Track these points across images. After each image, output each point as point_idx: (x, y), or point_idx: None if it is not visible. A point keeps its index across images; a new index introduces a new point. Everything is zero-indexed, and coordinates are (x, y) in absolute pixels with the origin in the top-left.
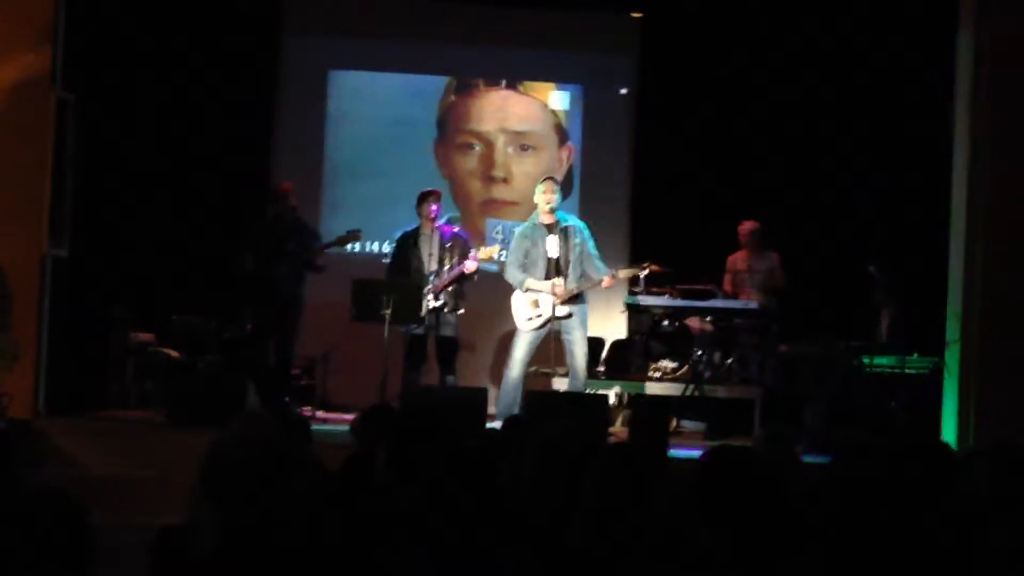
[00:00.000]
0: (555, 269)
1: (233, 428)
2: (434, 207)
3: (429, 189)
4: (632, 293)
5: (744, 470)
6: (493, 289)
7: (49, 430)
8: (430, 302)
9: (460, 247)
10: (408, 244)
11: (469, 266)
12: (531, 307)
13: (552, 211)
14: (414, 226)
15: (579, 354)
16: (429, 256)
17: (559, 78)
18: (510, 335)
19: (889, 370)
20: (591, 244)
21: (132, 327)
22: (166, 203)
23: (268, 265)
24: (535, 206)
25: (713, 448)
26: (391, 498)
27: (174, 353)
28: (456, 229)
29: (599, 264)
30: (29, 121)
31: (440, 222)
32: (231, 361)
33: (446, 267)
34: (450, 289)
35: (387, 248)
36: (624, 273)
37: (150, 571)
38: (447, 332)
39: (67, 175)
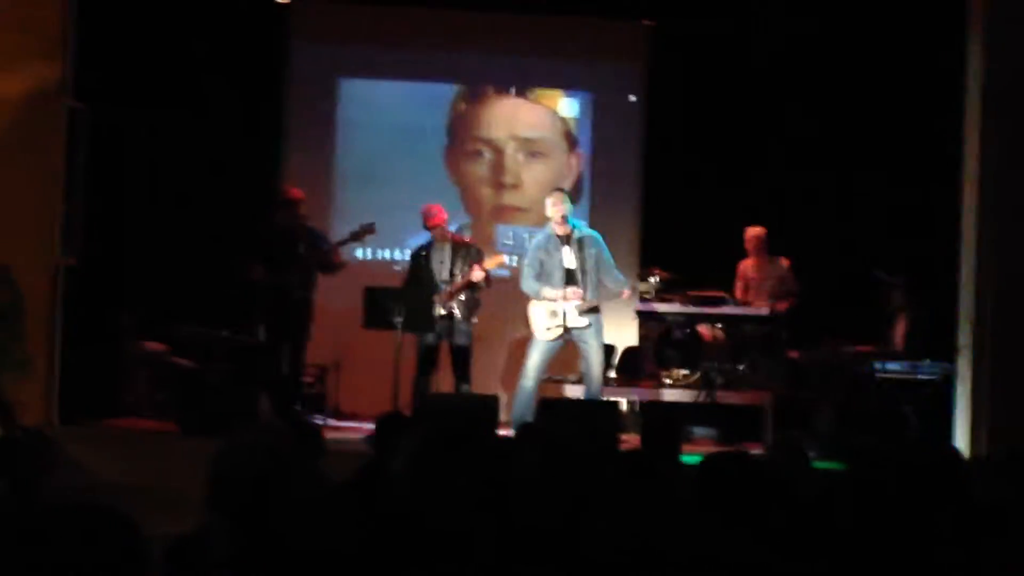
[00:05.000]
0: (571, 280)
1: (240, 438)
2: (440, 224)
3: (432, 209)
4: (643, 299)
5: (740, 477)
6: (504, 296)
7: (62, 438)
8: (439, 310)
9: (470, 256)
10: (420, 256)
11: (476, 275)
12: (549, 317)
13: (565, 221)
14: (427, 239)
15: (595, 362)
16: (440, 265)
17: (569, 85)
18: (521, 342)
19: (901, 376)
20: (607, 253)
21: (144, 336)
22: (176, 211)
23: (279, 272)
24: (543, 217)
25: (709, 456)
26: (406, 507)
27: (186, 362)
28: (466, 238)
29: (617, 274)
30: (40, 131)
31: (451, 230)
32: (242, 370)
33: (457, 276)
34: (463, 298)
35: (398, 255)
36: (643, 287)
37: None
38: (461, 340)
39: (78, 185)
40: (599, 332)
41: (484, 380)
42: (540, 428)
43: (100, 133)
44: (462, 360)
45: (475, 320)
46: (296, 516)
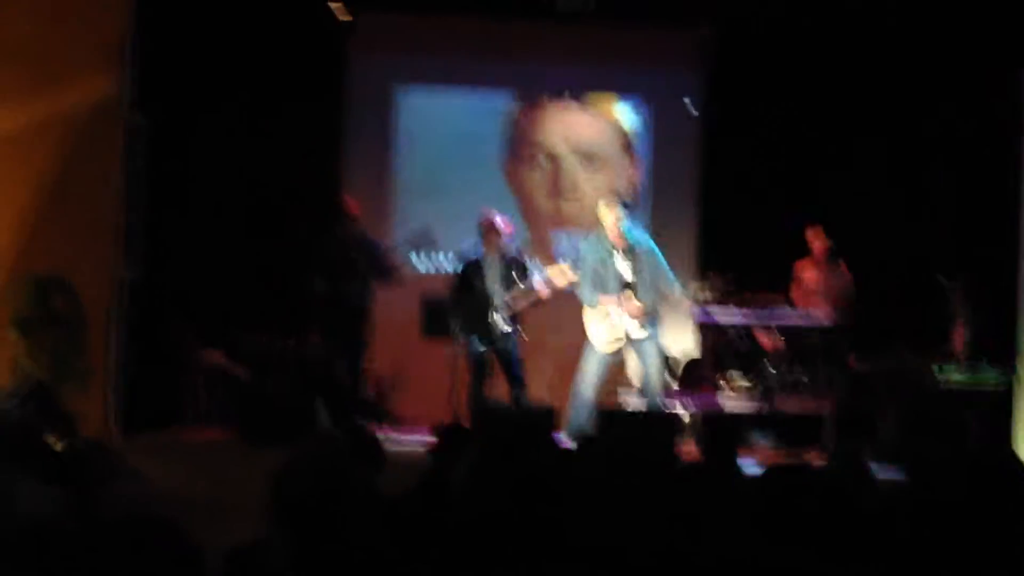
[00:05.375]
0: (627, 287)
1: (302, 449)
2: (499, 240)
3: (492, 224)
4: (702, 308)
5: (801, 490)
6: (551, 304)
7: (122, 449)
8: (503, 326)
9: (519, 268)
10: (471, 269)
11: (545, 293)
12: (608, 330)
13: (620, 230)
14: (477, 254)
15: (654, 373)
16: (492, 278)
17: (625, 91)
18: (567, 349)
19: (963, 383)
20: (661, 260)
21: (204, 346)
22: (237, 223)
23: (337, 283)
24: (601, 228)
25: (769, 468)
26: (466, 518)
27: (245, 372)
28: (515, 252)
29: (670, 275)
30: (100, 143)
31: (511, 247)
32: (302, 380)
33: (511, 290)
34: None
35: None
36: (699, 295)
37: None
38: (510, 347)
39: (139, 197)
40: (657, 342)
41: (531, 389)
42: (600, 440)
43: (161, 145)
44: (513, 366)
45: (521, 329)
46: (356, 528)
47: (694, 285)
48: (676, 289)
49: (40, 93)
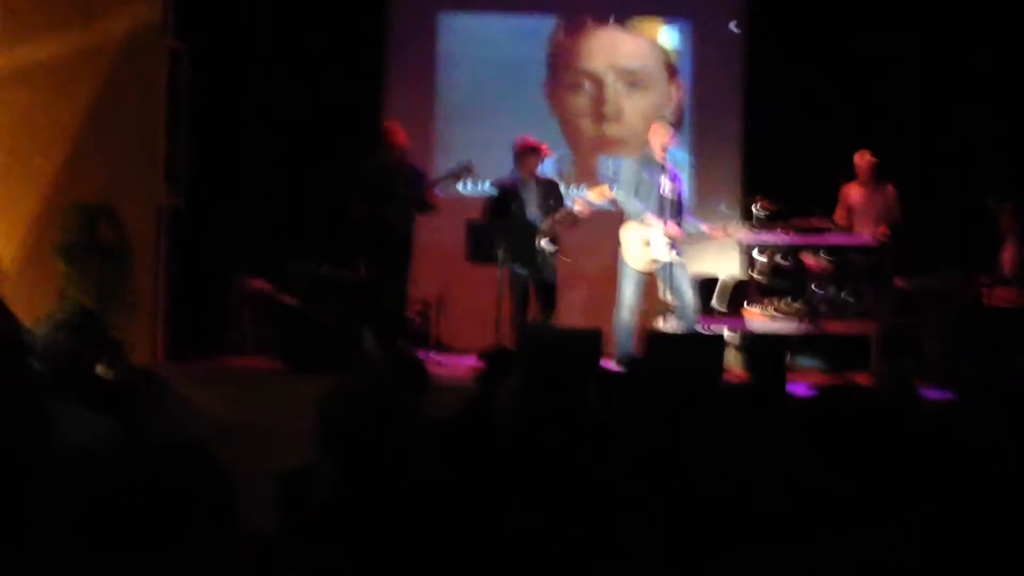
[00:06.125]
0: (668, 209)
1: (348, 375)
2: (537, 163)
3: (532, 145)
4: (748, 229)
5: (852, 410)
6: (587, 229)
7: (170, 377)
8: (545, 246)
9: (554, 191)
10: (506, 192)
11: (585, 212)
12: (643, 246)
13: (666, 152)
14: (512, 176)
15: (688, 292)
16: (529, 202)
17: (668, 13)
18: (601, 275)
19: (1011, 303)
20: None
21: (250, 274)
22: (279, 149)
23: (378, 209)
24: (646, 147)
25: (820, 388)
26: (513, 442)
27: (291, 300)
28: (547, 174)
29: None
30: (142, 73)
31: (542, 171)
32: (347, 306)
33: (548, 212)
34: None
35: None
36: (733, 229)
37: (276, 514)
38: (548, 273)
39: (182, 125)
40: (685, 267)
41: (568, 314)
42: (648, 361)
43: (202, 72)
44: (549, 292)
45: (560, 255)
46: (402, 453)
47: (739, 208)
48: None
49: (80, 22)
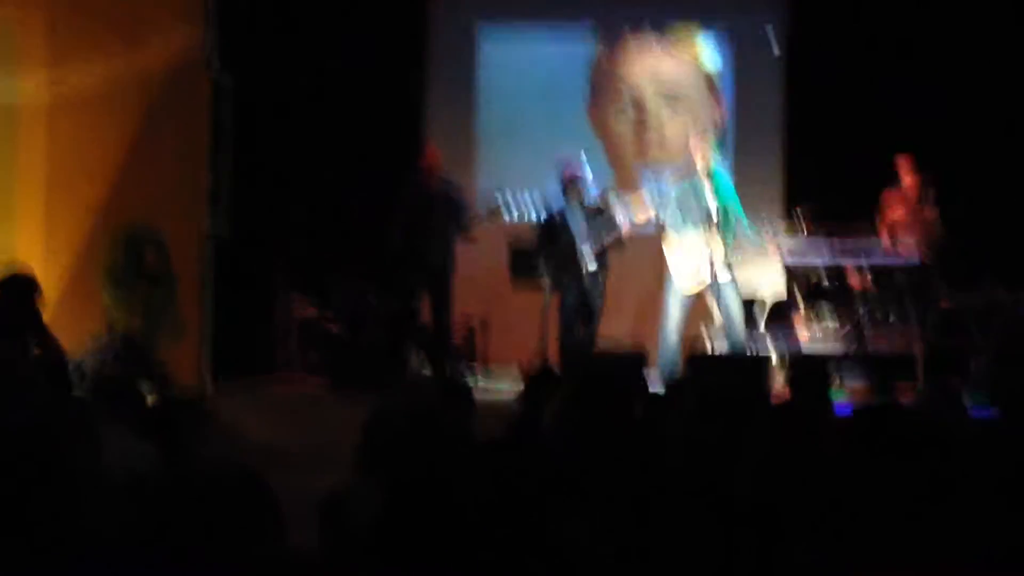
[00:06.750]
0: (712, 226)
1: (394, 397)
2: (584, 190)
3: (578, 175)
4: (791, 248)
5: (893, 426)
6: (630, 247)
7: (215, 399)
8: (590, 265)
9: (602, 217)
10: (555, 217)
11: (628, 231)
12: (692, 270)
13: (709, 169)
14: (560, 205)
15: (737, 315)
16: (575, 227)
17: (707, 22)
18: (647, 293)
19: None
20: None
21: (296, 299)
22: (322, 176)
23: (416, 239)
24: (689, 164)
25: (861, 406)
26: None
27: (336, 323)
28: (595, 198)
29: (744, 220)
30: (184, 101)
31: (591, 194)
32: (392, 329)
33: (594, 233)
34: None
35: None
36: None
37: (320, 536)
38: (595, 297)
39: (226, 156)
40: (735, 286)
41: (611, 332)
42: (692, 383)
43: (244, 99)
44: (593, 314)
45: (607, 277)
46: (447, 474)
47: (782, 223)
48: (750, 233)
49: (126, 51)
